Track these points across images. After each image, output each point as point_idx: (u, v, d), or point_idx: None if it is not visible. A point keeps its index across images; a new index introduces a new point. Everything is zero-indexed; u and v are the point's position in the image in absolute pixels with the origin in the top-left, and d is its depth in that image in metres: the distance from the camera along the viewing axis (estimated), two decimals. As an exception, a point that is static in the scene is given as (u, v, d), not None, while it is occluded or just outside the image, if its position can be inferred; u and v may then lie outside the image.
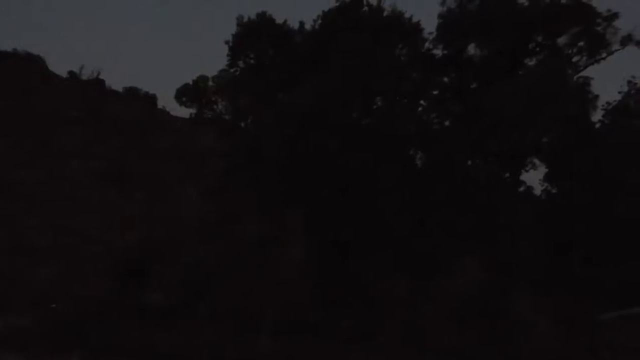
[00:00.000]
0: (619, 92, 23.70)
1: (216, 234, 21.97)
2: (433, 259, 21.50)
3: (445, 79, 24.07)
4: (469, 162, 23.75)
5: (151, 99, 31.43)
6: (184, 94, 30.13)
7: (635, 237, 21.69)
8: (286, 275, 21.87)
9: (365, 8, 24.32)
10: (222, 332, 19.19)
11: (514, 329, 19.95)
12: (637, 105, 23.75)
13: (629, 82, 23.65)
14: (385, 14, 24.15)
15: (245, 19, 26.45)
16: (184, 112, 30.28)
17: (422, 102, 24.00)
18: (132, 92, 31.38)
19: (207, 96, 29.49)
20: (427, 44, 23.90)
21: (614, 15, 22.54)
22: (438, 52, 23.95)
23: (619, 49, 22.79)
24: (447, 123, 23.79)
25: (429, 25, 24.04)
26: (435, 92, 23.96)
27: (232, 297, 20.79)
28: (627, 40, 22.51)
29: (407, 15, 23.95)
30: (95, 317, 18.12)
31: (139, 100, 29.19)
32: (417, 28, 23.89)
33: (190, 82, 30.34)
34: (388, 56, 23.54)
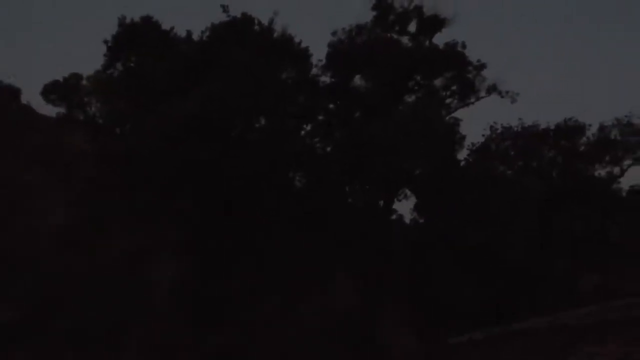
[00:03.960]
0: (483, 135, 26.14)
1: (81, 245, 20.37)
2: (307, 278, 21.75)
3: (331, 106, 24.76)
4: (347, 188, 24.48)
5: (14, 92, 28.60)
6: (52, 91, 27.83)
7: (488, 265, 23.51)
8: (156, 291, 20.84)
9: (256, 27, 24.30)
10: (80, 352, 17.71)
11: (379, 348, 20.70)
12: (497, 148, 26.23)
13: (491, 127, 26.27)
14: (275, 35, 24.32)
15: (128, 20, 25.25)
16: (52, 110, 27.93)
17: (306, 125, 24.40)
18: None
19: (80, 96, 27.50)
20: (315, 70, 24.49)
21: (483, 66, 24.91)
22: (326, 79, 24.66)
23: (485, 96, 25.16)
24: (329, 148, 24.38)
25: (318, 51, 24.67)
26: (320, 117, 24.50)
27: (94, 314, 19.33)
28: (492, 89, 24.91)
29: (297, 39, 24.36)
30: None
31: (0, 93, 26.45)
32: (306, 53, 24.35)
33: (61, 80, 28.13)
34: (275, 76, 23.68)
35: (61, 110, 27.75)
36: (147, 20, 25.05)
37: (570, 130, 26.02)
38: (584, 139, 26.19)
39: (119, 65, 25.50)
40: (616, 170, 26.34)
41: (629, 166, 26.38)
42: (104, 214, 21.37)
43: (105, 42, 24.93)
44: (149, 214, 21.72)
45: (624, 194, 26.58)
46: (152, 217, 21.80)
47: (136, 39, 24.97)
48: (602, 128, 26.09)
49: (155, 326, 19.97)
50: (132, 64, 25.34)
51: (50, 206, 20.46)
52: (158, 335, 19.75)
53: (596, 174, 26.14)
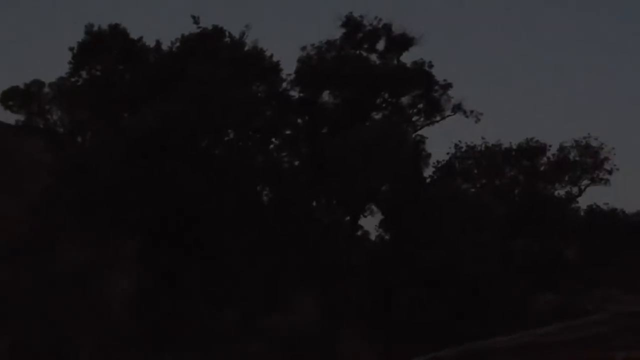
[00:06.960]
0: (447, 153, 26.54)
1: (31, 256, 19.66)
2: (267, 295, 21.52)
3: (299, 121, 24.82)
4: (314, 203, 24.45)
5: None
6: (11, 98, 27.09)
7: (449, 283, 23.57)
8: (108, 307, 20.24)
9: (227, 39, 24.26)
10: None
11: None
12: (461, 166, 26.71)
13: (456, 145, 26.70)
14: (246, 48, 24.32)
15: (96, 28, 24.86)
16: (10, 117, 27.17)
17: (274, 139, 24.35)
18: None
19: (41, 103, 26.83)
20: (284, 85, 24.53)
21: (449, 85, 25.40)
22: (294, 93, 24.75)
23: (450, 115, 25.66)
24: (296, 163, 24.36)
25: (288, 66, 24.73)
26: (288, 132, 24.51)
27: (41, 329, 18.62)
28: (457, 108, 25.38)
29: (267, 53, 24.39)
30: None
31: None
32: (276, 67, 24.40)
33: (22, 86, 27.40)
34: (244, 90, 23.61)
35: (20, 117, 27.07)
36: (115, 28, 24.71)
37: (532, 150, 26.72)
38: (545, 159, 26.96)
39: (83, 74, 25.05)
40: (575, 190, 27.18)
41: (587, 186, 27.29)
42: (57, 225, 20.71)
43: (71, 49, 24.47)
44: (104, 227, 21.17)
45: (582, 213, 27.40)
46: (108, 230, 21.27)
47: (103, 47, 24.58)
48: (561, 149, 26.91)
49: (107, 341, 19.39)
50: (98, 73, 24.92)
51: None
52: (110, 350, 19.18)
53: (556, 193, 26.89)
